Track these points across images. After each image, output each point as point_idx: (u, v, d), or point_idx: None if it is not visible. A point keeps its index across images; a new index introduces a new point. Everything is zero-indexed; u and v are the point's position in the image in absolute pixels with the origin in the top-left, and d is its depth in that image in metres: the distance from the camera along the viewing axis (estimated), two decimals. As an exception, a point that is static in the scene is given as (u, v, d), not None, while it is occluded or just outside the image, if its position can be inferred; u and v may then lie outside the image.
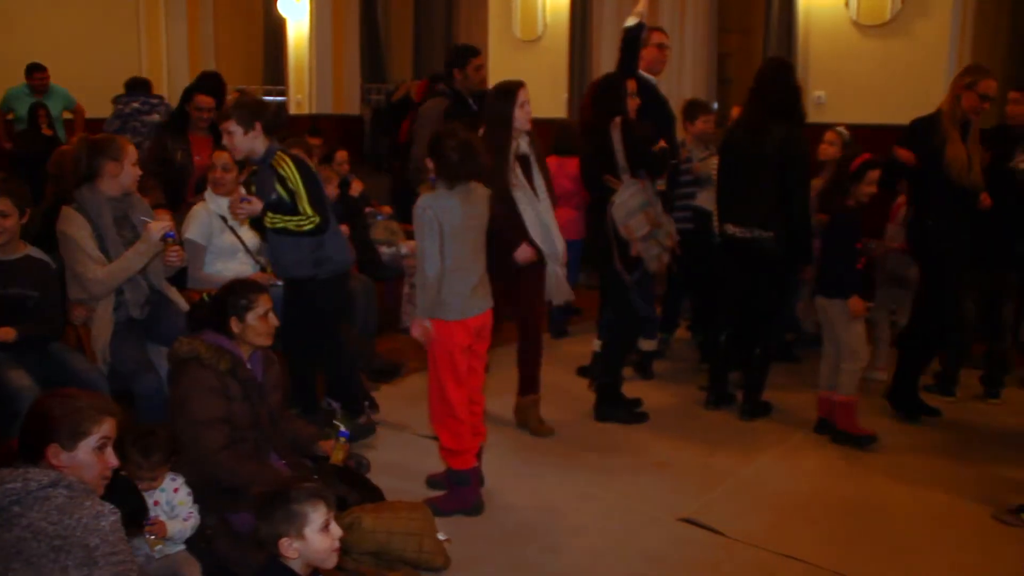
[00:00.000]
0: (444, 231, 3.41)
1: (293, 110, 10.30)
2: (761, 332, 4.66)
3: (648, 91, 4.93)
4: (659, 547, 3.39)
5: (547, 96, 7.69)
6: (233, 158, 4.33)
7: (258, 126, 3.86)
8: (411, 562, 3.07)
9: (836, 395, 4.39)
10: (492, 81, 8.84)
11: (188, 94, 5.55)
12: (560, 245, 4.26)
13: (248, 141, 3.88)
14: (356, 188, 6.05)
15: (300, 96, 10.35)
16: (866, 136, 5.42)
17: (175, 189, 5.26)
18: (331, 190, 4.90)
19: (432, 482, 3.82)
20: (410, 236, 5.97)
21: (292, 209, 3.87)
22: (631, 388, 4.86)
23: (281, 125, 4.05)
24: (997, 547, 3.42)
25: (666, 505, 3.71)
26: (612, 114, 4.41)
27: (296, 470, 3.22)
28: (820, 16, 6.74)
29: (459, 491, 3.59)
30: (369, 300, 5.23)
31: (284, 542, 2.22)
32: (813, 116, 6.19)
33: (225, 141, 3.95)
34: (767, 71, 4.57)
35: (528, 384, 4.51)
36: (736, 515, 3.64)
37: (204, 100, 5.46)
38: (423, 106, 5.36)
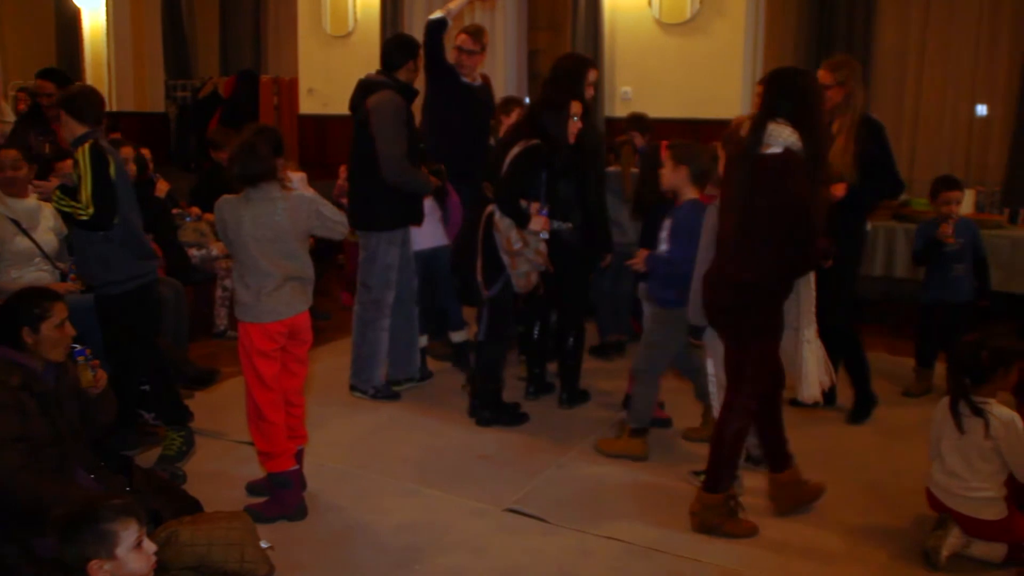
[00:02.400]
0: (230, 235, 3.39)
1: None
2: (573, 322, 4.74)
3: (462, 94, 4.97)
4: (484, 538, 3.43)
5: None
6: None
7: (77, 114, 3.81)
8: (234, 573, 2.96)
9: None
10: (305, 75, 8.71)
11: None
12: None
13: (70, 129, 3.83)
14: (162, 188, 5.79)
15: (98, 92, 9.81)
16: (670, 129, 5.66)
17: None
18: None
19: (252, 489, 3.72)
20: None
21: (76, 195, 3.75)
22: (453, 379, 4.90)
23: (97, 115, 3.84)
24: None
25: (490, 496, 3.76)
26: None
27: (106, 484, 3.06)
28: (625, 14, 7.00)
29: (280, 496, 3.51)
30: (179, 305, 5.03)
31: (94, 565, 2.11)
32: (620, 110, 6.45)
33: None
34: (566, 64, 4.69)
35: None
36: (558, 501, 3.73)
37: (44, 85, 5.24)
38: (378, 104, 4.60)
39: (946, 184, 4.98)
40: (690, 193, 4.02)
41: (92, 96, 3.94)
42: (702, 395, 4.20)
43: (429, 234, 4.99)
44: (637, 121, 5.63)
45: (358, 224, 4.74)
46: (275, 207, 3.39)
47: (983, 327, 3.41)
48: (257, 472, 3.69)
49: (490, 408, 4.54)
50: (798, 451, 4.08)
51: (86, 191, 3.68)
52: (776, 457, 3.69)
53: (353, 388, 4.94)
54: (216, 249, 5.80)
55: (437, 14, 4.91)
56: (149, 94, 10.19)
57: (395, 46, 4.80)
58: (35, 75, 5.60)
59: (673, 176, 4.03)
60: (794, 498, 3.68)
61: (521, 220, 4.26)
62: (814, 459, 4.08)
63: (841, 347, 4.56)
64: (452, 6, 5.07)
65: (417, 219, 4.81)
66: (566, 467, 4.08)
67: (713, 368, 3.75)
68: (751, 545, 3.40)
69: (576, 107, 4.33)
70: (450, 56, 5.05)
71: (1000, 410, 3.21)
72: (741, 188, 3.32)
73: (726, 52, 6.67)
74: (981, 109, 7.06)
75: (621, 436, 4.25)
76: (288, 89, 9.01)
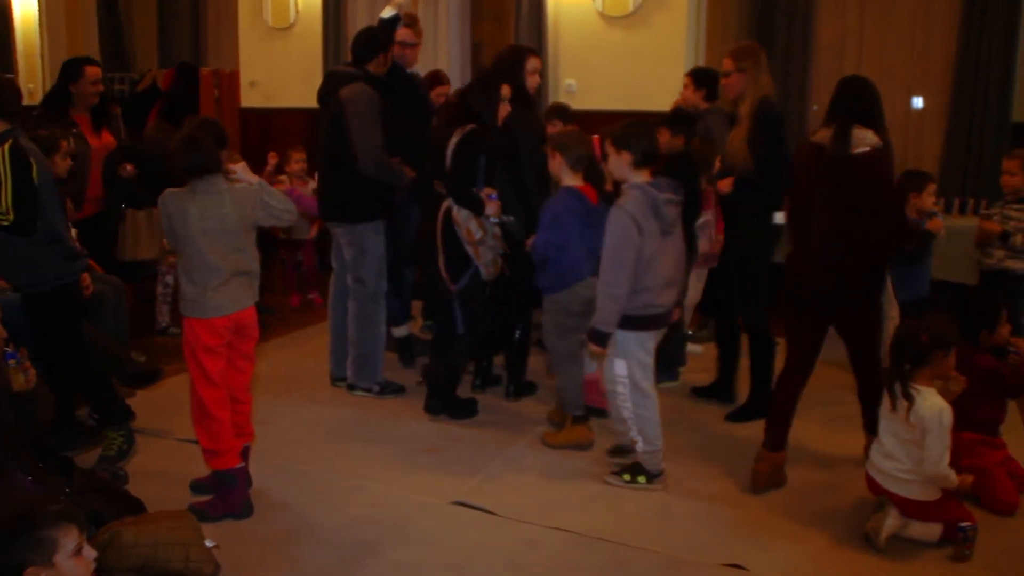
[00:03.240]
0: (176, 228, 3.33)
1: (25, 100, 9.49)
2: (519, 314, 4.75)
3: (408, 84, 4.94)
4: (433, 531, 3.44)
5: (301, 85, 7.54)
6: None
7: None
8: (179, 573, 2.93)
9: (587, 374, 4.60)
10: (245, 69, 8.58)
11: (76, 69, 5.19)
12: None
13: None
14: (99, 184, 5.66)
15: (32, 85, 9.53)
16: (615, 121, 5.66)
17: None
18: None
19: (197, 487, 3.67)
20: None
21: None
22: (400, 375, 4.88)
23: (16, 109, 3.69)
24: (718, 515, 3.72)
25: (438, 490, 3.77)
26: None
27: (45, 486, 2.99)
28: (568, 7, 7.02)
29: (226, 494, 3.48)
30: (119, 302, 4.93)
31: (30, 572, 2.06)
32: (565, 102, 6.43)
33: None
34: (505, 52, 4.74)
35: None
36: (506, 493, 3.75)
37: (96, 71, 5.19)
38: (352, 96, 4.52)
39: (926, 179, 4.99)
40: (567, 180, 4.11)
41: (8, 89, 3.76)
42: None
43: None
44: (559, 111, 5.66)
45: (341, 218, 4.69)
46: (222, 199, 3.36)
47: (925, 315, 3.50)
48: (202, 470, 3.64)
49: (441, 397, 4.52)
50: (738, 439, 4.16)
51: (6, 197, 3.52)
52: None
53: (353, 388, 4.87)
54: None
55: (389, 11, 4.86)
56: (85, 87, 9.96)
57: (366, 39, 4.77)
58: (74, 63, 5.32)
59: (552, 164, 4.14)
60: (773, 480, 3.80)
61: (478, 207, 4.26)
62: (753, 447, 4.15)
63: (753, 347, 4.59)
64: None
65: (393, 209, 4.79)
66: (513, 459, 4.10)
67: (621, 370, 3.71)
68: (695, 531, 3.46)
69: (506, 90, 4.34)
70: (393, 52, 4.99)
71: (933, 400, 3.29)
72: (839, 186, 3.64)
73: (668, 45, 6.71)
74: (917, 102, 7.21)
75: (563, 427, 4.28)
76: (229, 82, 8.87)
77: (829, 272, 3.71)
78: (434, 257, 4.38)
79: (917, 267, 4.97)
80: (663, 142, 4.76)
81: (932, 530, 3.35)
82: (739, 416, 4.61)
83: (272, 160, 6.52)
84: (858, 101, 3.76)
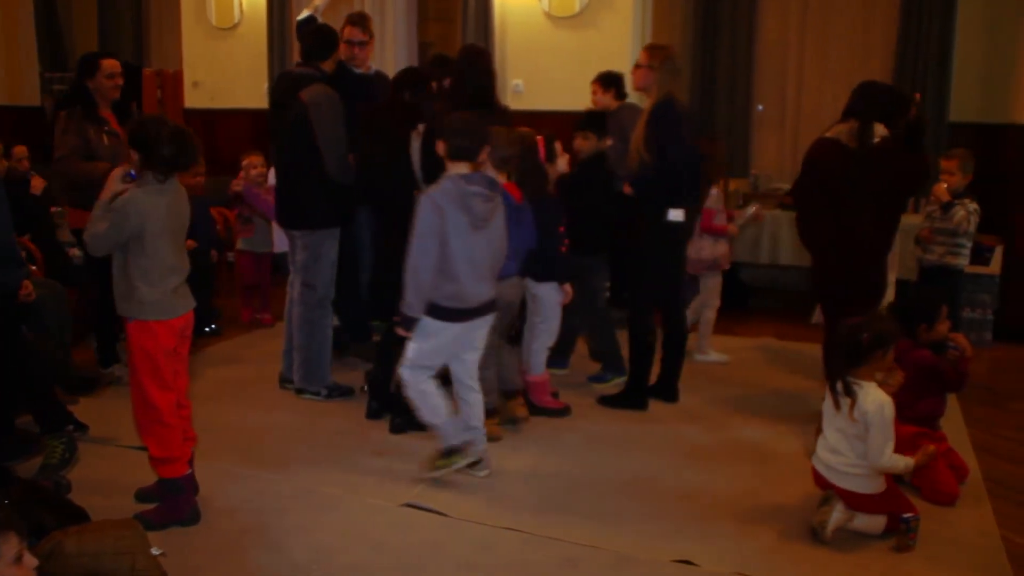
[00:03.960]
0: (147, 227, 3.21)
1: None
2: None
3: (359, 85, 4.90)
4: (384, 534, 3.42)
5: (246, 86, 7.46)
6: None
7: None
8: (124, 583, 2.88)
9: (528, 375, 4.62)
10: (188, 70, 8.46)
11: (90, 63, 4.87)
12: None
13: None
14: (37, 186, 5.56)
15: (-33, 85, 9.34)
16: (562, 122, 5.70)
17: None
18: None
19: (142, 496, 3.60)
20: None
21: None
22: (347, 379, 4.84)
23: None
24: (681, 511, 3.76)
25: (387, 492, 3.75)
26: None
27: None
28: (515, 7, 7.04)
29: (172, 501, 3.42)
30: (60, 308, 4.84)
31: (-32, 580, 2.02)
32: (512, 104, 6.47)
33: None
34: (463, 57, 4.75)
35: None
36: (457, 494, 3.74)
37: (114, 65, 4.88)
38: (315, 98, 4.50)
39: None
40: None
41: None
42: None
43: None
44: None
45: (301, 224, 4.64)
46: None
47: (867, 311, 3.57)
48: (147, 478, 3.57)
49: (403, 414, 4.35)
50: (687, 439, 4.20)
51: None
52: None
53: (300, 391, 4.83)
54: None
55: (304, 13, 4.83)
56: (22, 86, 9.73)
57: (318, 38, 4.74)
58: (91, 57, 5.00)
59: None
60: None
61: None
62: (700, 444, 4.21)
63: (632, 342, 4.69)
64: (318, 3, 4.99)
65: (351, 215, 4.75)
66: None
67: (409, 353, 3.75)
68: (645, 530, 3.48)
69: (433, 86, 4.42)
70: (340, 52, 4.95)
71: (875, 394, 3.35)
72: (880, 174, 4.19)
73: (614, 45, 6.76)
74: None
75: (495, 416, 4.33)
76: (172, 82, 8.73)
77: (881, 254, 4.35)
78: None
79: None
80: (579, 146, 4.83)
81: (877, 522, 3.41)
82: (612, 401, 4.75)
83: (253, 164, 6.05)
84: (875, 101, 4.29)
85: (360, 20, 5.04)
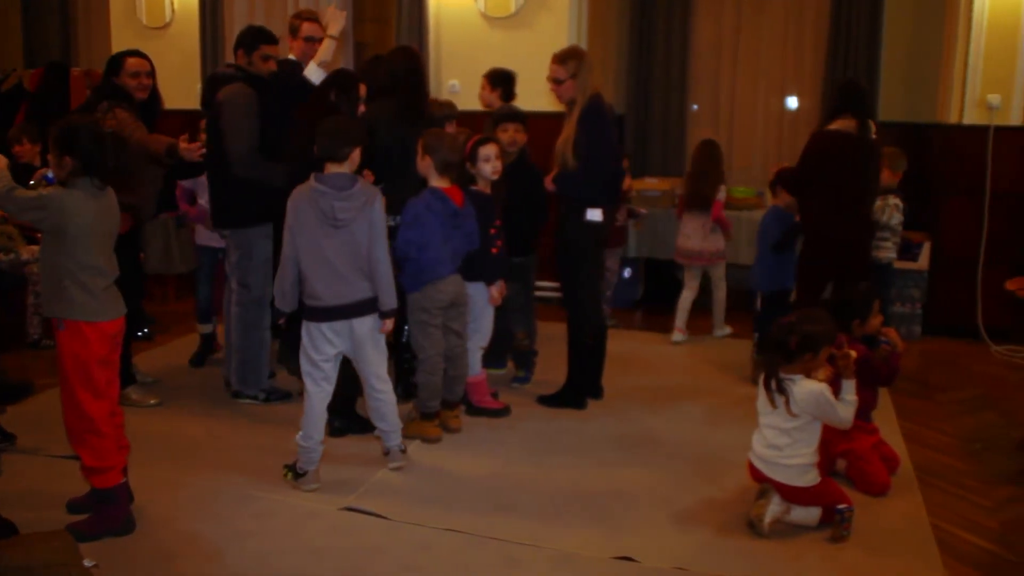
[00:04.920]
0: (70, 230, 3.14)
1: None
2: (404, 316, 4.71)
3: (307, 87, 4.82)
4: (323, 539, 3.38)
5: (179, 87, 7.32)
6: None
7: None
8: (55, 596, 2.81)
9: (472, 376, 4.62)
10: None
11: (115, 61, 4.61)
12: None
13: None
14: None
15: None
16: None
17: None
18: None
19: (74, 507, 3.51)
20: (32, 241, 5.44)
21: None
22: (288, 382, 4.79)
23: None
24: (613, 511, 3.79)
25: (327, 497, 3.72)
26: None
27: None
28: (450, 8, 7.02)
29: (105, 511, 3.34)
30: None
31: None
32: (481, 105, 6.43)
33: None
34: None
35: None
36: (396, 496, 3.73)
37: (140, 63, 4.60)
38: (228, 97, 4.44)
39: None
40: (434, 182, 4.15)
41: None
42: None
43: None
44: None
45: (229, 223, 4.58)
46: (112, 202, 3.29)
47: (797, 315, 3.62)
48: (78, 488, 3.49)
49: (341, 417, 4.34)
50: (626, 434, 4.22)
51: None
52: None
53: (238, 395, 4.76)
54: (26, 253, 5.46)
55: (314, 72, 4.63)
56: (-55, 88, 9.45)
57: (243, 37, 4.66)
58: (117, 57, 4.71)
59: (421, 164, 4.17)
60: None
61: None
62: (638, 442, 4.25)
63: (571, 339, 4.71)
64: (324, 56, 4.74)
65: (281, 213, 4.67)
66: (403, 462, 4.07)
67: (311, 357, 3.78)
68: (586, 527, 3.50)
69: (362, 89, 4.38)
70: (294, 50, 4.83)
71: (808, 386, 3.41)
72: (879, 165, 4.81)
73: (550, 46, 6.67)
74: (791, 101, 7.48)
75: (413, 420, 4.32)
76: (102, 83, 8.55)
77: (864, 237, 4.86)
78: None
79: (784, 258, 5.20)
80: (506, 139, 4.84)
81: (812, 514, 3.48)
82: (550, 401, 4.76)
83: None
84: (862, 99, 4.73)
85: (317, 16, 4.96)
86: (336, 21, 4.66)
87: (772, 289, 5.29)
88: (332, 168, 3.68)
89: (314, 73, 4.50)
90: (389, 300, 3.79)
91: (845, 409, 3.45)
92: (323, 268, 3.67)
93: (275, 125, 4.52)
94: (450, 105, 5.26)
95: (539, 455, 4.19)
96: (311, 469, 3.81)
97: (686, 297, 6.10)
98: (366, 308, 3.77)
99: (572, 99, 4.45)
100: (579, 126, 4.39)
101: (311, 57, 4.70)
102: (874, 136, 4.71)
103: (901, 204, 5.22)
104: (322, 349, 3.75)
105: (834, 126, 4.68)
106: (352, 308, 3.73)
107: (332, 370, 3.81)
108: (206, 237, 5.30)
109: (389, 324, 3.85)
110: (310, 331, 3.75)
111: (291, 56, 4.82)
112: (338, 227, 3.64)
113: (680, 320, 6.12)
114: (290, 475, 3.84)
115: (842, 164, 4.65)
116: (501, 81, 5.34)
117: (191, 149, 4.40)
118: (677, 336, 6.08)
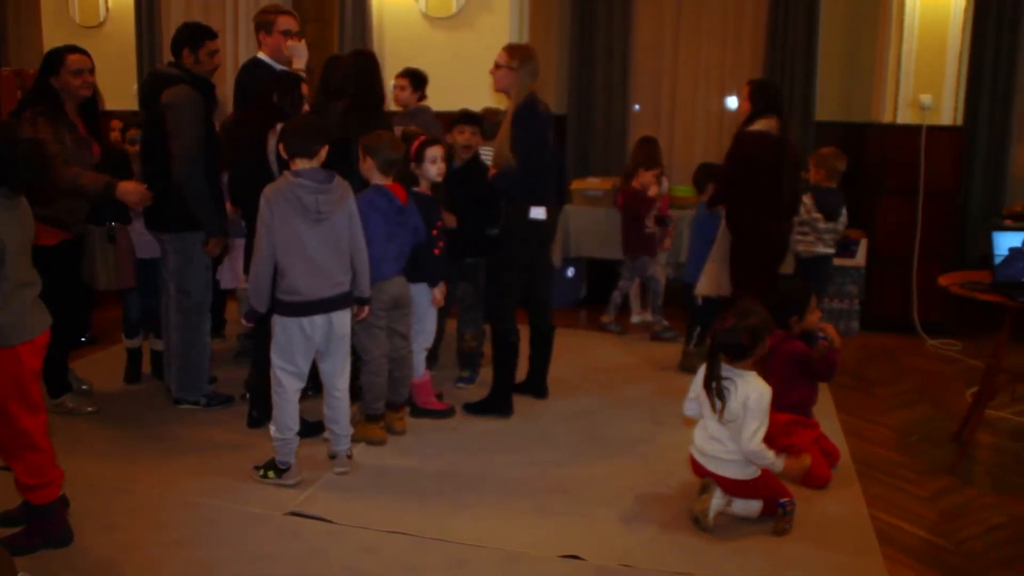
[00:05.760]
0: (8, 247, 2.98)
1: None
2: None
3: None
4: (267, 545, 3.34)
5: (114, 87, 7.18)
6: None
7: None
8: (-12, 611, 2.74)
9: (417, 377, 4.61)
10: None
11: (54, 58, 4.30)
12: None
13: None
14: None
15: None
16: (440, 121, 5.68)
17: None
18: None
19: (6, 519, 3.40)
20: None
21: None
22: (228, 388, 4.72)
23: None
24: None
25: (271, 502, 3.67)
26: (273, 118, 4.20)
27: None
28: (392, 8, 6.98)
29: (41, 523, 3.25)
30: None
31: None
32: (393, 104, 6.40)
33: None
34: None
35: None
36: (342, 500, 3.70)
37: (82, 60, 4.33)
38: (175, 96, 4.34)
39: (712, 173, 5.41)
40: (376, 181, 4.17)
41: None
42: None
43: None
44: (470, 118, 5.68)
45: (167, 227, 4.47)
46: (28, 212, 3.17)
47: (735, 306, 3.66)
48: (8, 501, 3.39)
49: (259, 407, 4.36)
50: (566, 434, 4.23)
51: None
52: None
53: (179, 401, 4.68)
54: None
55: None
56: None
57: (185, 36, 4.55)
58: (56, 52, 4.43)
59: (363, 167, 4.17)
60: None
61: None
62: (583, 440, 4.26)
63: (494, 343, 4.68)
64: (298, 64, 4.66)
65: (224, 216, 4.61)
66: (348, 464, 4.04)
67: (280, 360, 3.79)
68: (531, 527, 3.51)
69: (304, 88, 4.35)
70: (266, 46, 4.70)
71: (756, 382, 3.46)
72: (788, 163, 4.84)
73: (492, 45, 6.68)
74: (731, 101, 7.58)
75: (358, 422, 4.29)
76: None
77: (784, 236, 4.98)
78: None
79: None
80: (462, 141, 4.84)
81: (753, 506, 3.53)
82: (476, 409, 4.70)
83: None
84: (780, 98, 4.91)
85: (291, 11, 4.86)
86: (300, 55, 4.61)
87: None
88: (303, 164, 3.67)
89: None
90: (367, 289, 3.90)
91: (760, 438, 3.45)
92: (304, 262, 3.66)
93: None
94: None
95: (484, 456, 4.19)
96: (292, 462, 3.81)
97: (626, 286, 6.40)
98: (344, 302, 3.80)
99: (505, 89, 4.48)
100: (513, 125, 4.41)
101: (285, 52, 4.62)
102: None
103: (808, 201, 5.41)
104: (298, 344, 3.73)
105: (757, 126, 4.77)
106: (331, 302, 3.74)
107: (306, 364, 3.81)
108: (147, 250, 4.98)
109: (366, 311, 3.94)
110: (286, 327, 3.72)
111: (260, 54, 4.70)
112: (320, 220, 3.65)
113: (634, 306, 6.58)
114: (271, 474, 3.81)
115: (765, 163, 4.76)
116: (423, 83, 5.53)
117: (136, 194, 4.29)
118: (643, 317, 6.59)
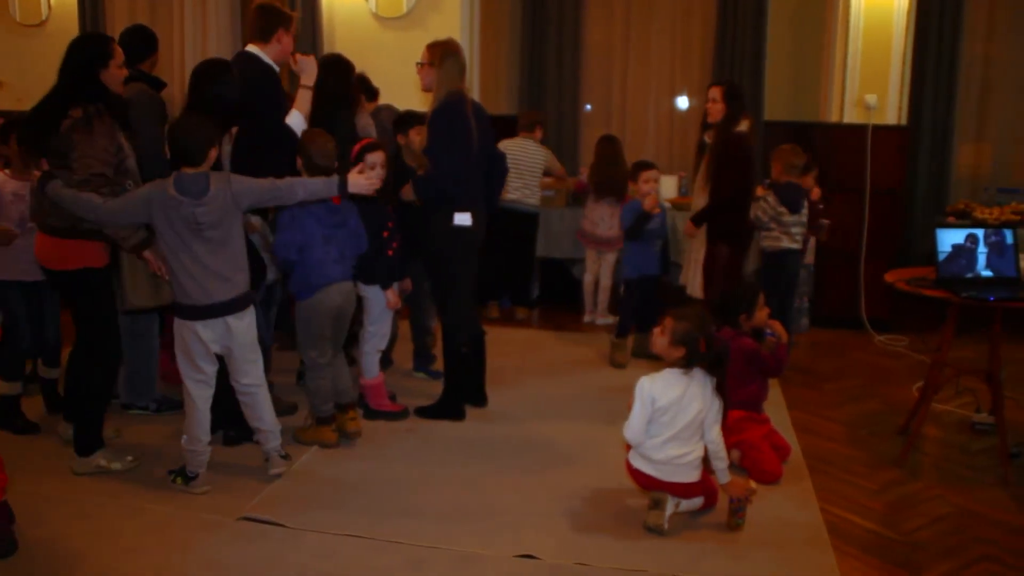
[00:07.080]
0: None
1: None
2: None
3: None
4: (220, 551, 3.30)
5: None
6: None
7: None
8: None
9: (362, 379, 4.58)
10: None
11: (105, 49, 3.82)
12: None
13: None
14: None
15: None
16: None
17: None
18: None
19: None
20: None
21: None
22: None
23: None
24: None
25: (224, 507, 3.63)
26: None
27: None
28: (342, 8, 6.95)
29: (-16, 532, 3.18)
30: None
31: None
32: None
33: None
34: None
35: None
36: (295, 505, 3.66)
37: (121, 51, 3.89)
38: (134, 93, 4.19)
39: (643, 166, 5.66)
40: None
41: None
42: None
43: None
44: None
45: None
46: None
47: (670, 311, 3.63)
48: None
49: (236, 426, 4.18)
50: (519, 438, 4.23)
51: None
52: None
53: (128, 407, 4.60)
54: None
55: (297, 120, 4.34)
56: None
57: (138, 38, 4.52)
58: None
59: (298, 165, 4.11)
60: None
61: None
62: (536, 443, 4.27)
63: (444, 348, 4.60)
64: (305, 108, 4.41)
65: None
66: (301, 469, 4.01)
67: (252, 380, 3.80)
68: (486, 527, 3.50)
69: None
70: (271, 50, 4.48)
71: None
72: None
73: None
74: (682, 102, 7.65)
75: (310, 426, 4.28)
76: (-27, 83, 8.16)
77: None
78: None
79: (644, 246, 5.56)
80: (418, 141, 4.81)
81: (696, 501, 3.60)
82: (428, 413, 4.64)
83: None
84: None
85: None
86: (309, 72, 4.38)
87: (633, 276, 5.62)
88: (189, 171, 3.54)
89: (297, 121, 4.29)
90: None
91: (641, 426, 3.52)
92: (194, 267, 3.57)
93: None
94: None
95: (438, 457, 4.18)
96: (201, 471, 3.75)
97: (589, 280, 6.53)
98: (239, 305, 3.69)
99: (429, 87, 4.37)
100: (428, 126, 4.31)
101: (293, 65, 4.41)
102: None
103: (770, 198, 5.45)
104: (196, 349, 3.66)
105: (740, 128, 5.07)
106: (225, 306, 3.64)
107: (211, 369, 3.72)
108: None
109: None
110: (183, 331, 3.65)
111: (254, 49, 4.37)
112: (203, 230, 3.54)
113: (589, 303, 6.58)
114: (179, 480, 3.77)
115: (754, 164, 5.18)
116: (374, 95, 5.61)
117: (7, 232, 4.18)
118: (594, 318, 6.57)
